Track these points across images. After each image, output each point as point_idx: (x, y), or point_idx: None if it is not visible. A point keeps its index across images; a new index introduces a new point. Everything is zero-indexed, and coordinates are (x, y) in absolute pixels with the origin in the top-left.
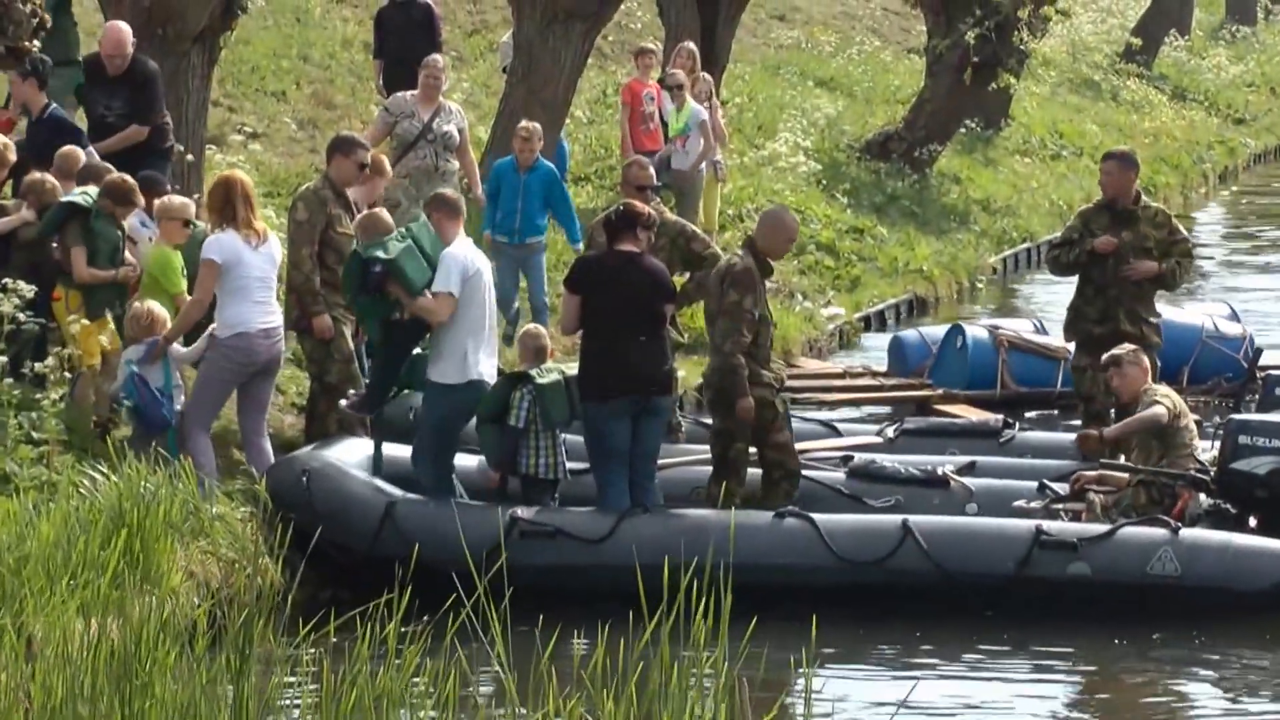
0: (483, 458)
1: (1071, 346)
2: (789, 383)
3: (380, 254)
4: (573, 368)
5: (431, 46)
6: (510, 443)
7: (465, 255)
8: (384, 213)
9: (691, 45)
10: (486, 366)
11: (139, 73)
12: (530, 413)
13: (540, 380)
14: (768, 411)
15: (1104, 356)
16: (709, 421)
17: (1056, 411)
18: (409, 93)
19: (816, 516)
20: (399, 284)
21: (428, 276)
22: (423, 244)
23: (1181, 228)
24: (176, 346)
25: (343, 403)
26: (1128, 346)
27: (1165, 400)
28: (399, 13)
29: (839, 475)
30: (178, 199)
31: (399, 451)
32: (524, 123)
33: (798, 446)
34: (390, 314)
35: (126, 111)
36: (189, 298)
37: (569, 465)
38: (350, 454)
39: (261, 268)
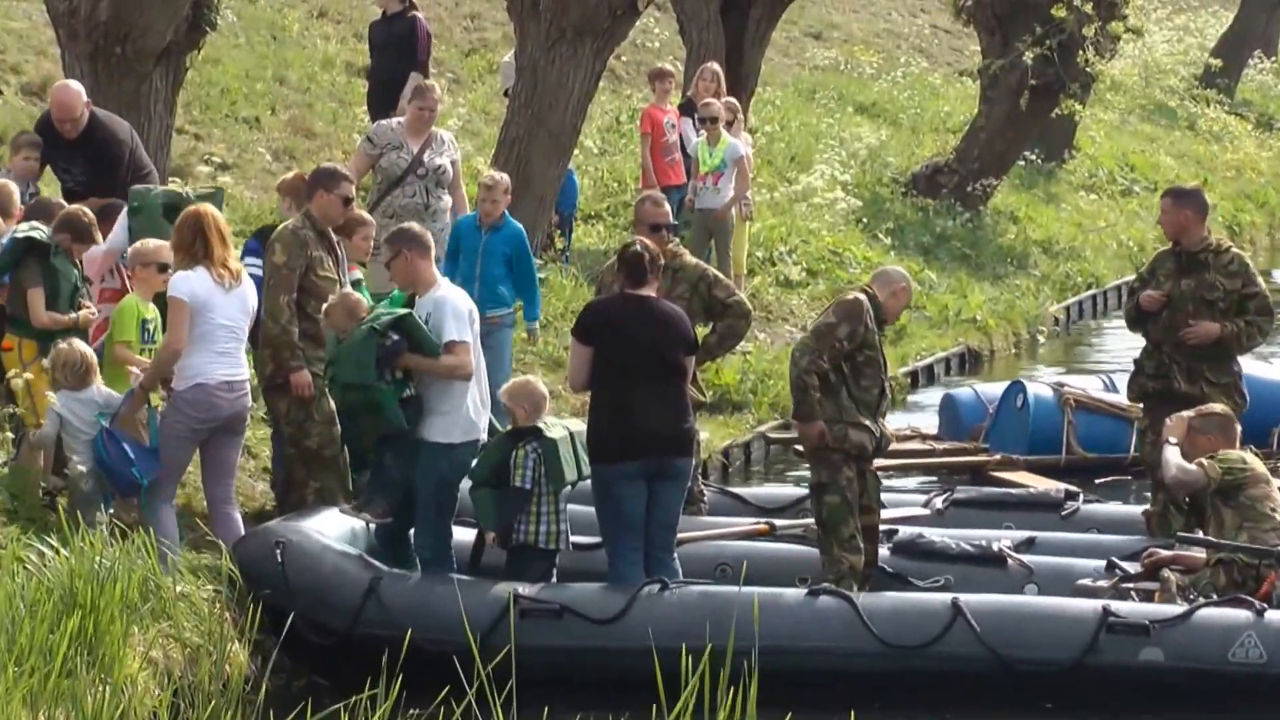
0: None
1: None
2: None
3: (391, 318)
4: (579, 425)
5: (409, 63)
6: (513, 506)
7: (459, 297)
8: (357, 294)
9: (715, 66)
10: (484, 422)
11: (98, 135)
12: (535, 472)
13: (549, 434)
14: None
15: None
16: (735, 490)
17: (1130, 479)
18: (395, 120)
19: (855, 595)
20: (419, 350)
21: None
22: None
23: (1260, 280)
24: (112, 393)
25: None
26: (1216, 408)
27: (1212, 466)
28: (384, 28)
29: (882, 551)
30: (151, 241)
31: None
32: (489, 172)
33: None
34: (404, 393)
35: (86, 179)
36: (127, 347)
37: (573, 538)
38: (330, 525)
39: (231, 314)
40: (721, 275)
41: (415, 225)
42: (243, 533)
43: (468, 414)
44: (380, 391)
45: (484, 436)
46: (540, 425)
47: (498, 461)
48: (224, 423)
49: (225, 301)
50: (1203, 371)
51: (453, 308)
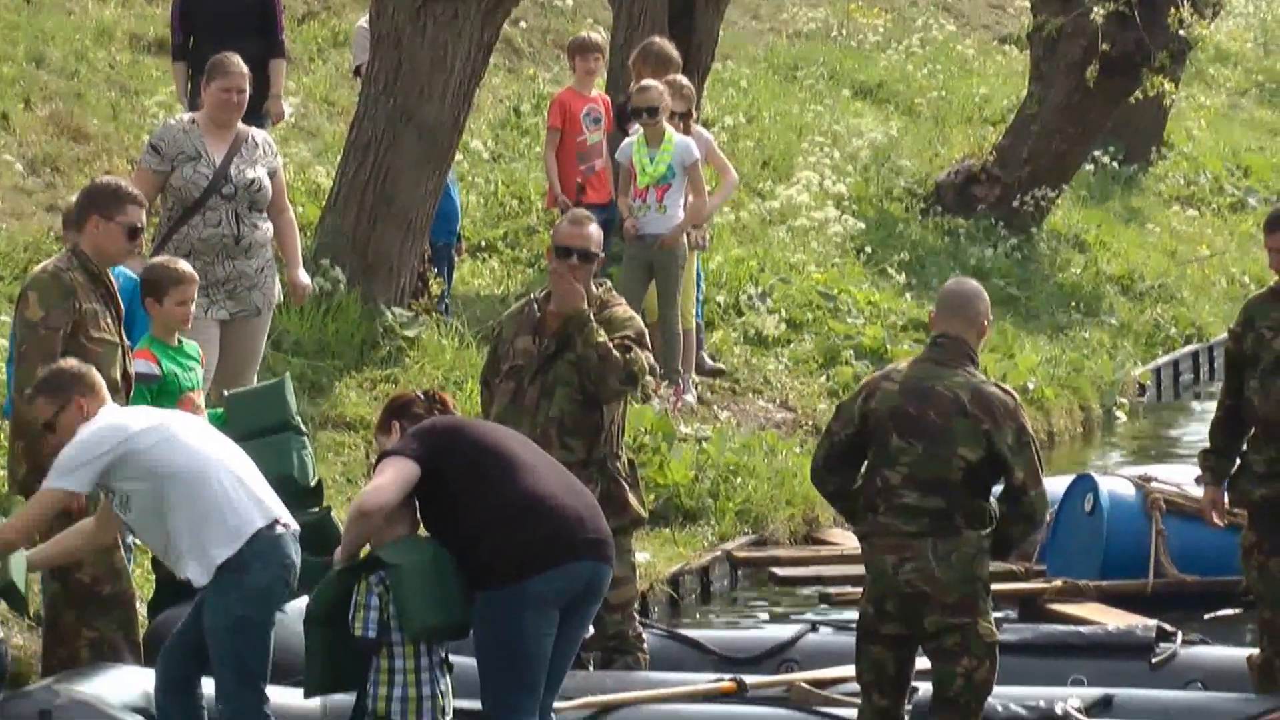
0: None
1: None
2: (820, 572)
3: None
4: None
5: (265, 45)
6: (357, 664)
7: (107, 426)
8: None
9: (662, 43)
10: (271, 505)
11: None
12: (384, 615)
13: (399, 559)
14: None
15: None
16: (688, 634)
17: (1242, 611)
18: (187, 117)
19: None
20: None
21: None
22: None
23: None
24: None
25: None
26: None
27: None
28: None
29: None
30: None
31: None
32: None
33: (827, 674)
34: None
35: None
36: None
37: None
38: (114, 688)
39: None
40: (646, 334)
41: (71, 362)
42: None
43: (225, 515)
44: None
45: (265, 522)
46: (385, 552)
47: (334, 598)
48: None
49: None
50: None
51: (78, 443)
